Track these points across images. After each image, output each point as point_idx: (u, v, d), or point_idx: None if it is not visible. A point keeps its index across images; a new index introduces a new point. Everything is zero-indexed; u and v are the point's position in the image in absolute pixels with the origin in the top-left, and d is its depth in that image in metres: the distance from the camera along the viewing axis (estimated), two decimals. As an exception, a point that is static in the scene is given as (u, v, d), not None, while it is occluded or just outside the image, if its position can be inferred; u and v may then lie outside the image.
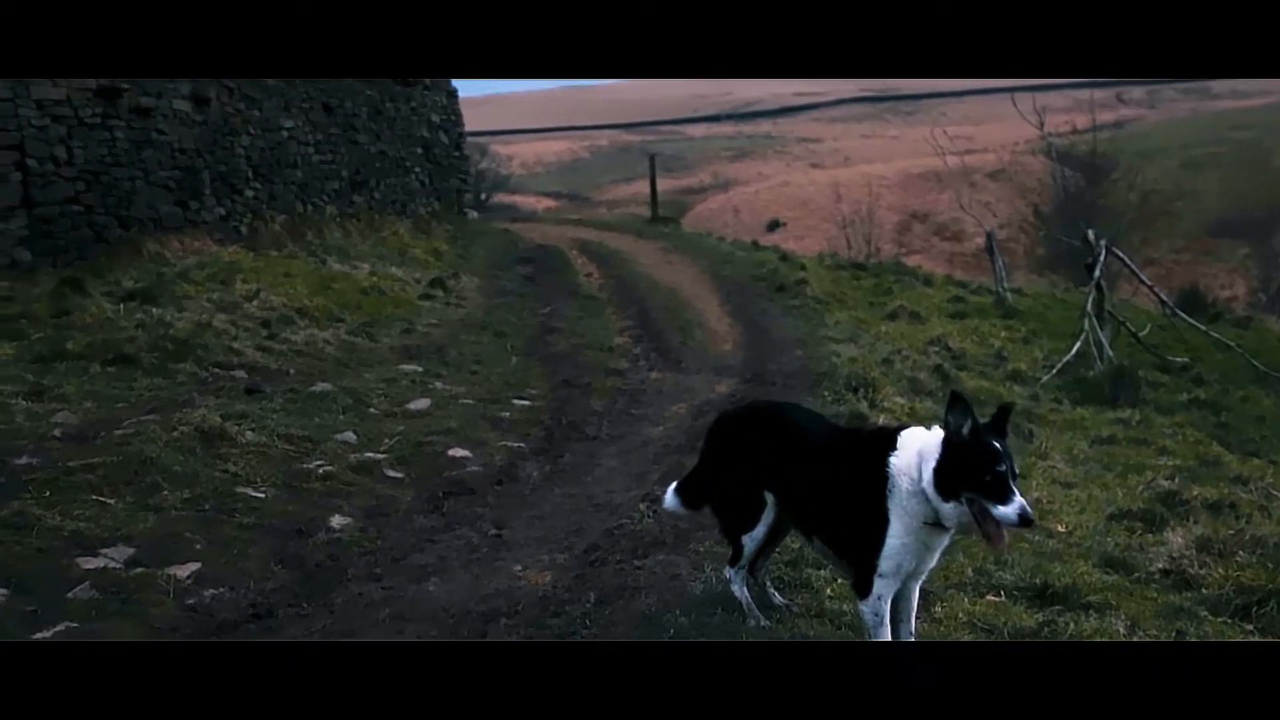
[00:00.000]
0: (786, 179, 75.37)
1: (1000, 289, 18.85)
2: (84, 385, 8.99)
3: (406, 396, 9.84)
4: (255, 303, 12.44)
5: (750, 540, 4.81)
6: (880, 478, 4.17)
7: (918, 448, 4.14)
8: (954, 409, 3.99)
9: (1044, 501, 7.48)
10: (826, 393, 9.92)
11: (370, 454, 8.05)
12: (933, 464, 4.03)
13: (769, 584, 5.21)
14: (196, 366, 9.95)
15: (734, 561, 4.92)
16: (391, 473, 7.80)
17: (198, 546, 6.12)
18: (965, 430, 3.97)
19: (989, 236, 20.49)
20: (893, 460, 4.16)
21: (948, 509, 4.02)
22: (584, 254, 21.06)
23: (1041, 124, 17.64)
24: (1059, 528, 6.99)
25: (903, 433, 4.26)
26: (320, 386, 9.57)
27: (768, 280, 17.71)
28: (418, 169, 23.67)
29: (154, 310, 11.20)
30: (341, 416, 8.92)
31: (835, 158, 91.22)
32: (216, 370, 10.00)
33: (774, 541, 5.03)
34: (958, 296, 18.54)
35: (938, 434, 4.13)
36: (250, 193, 17.29)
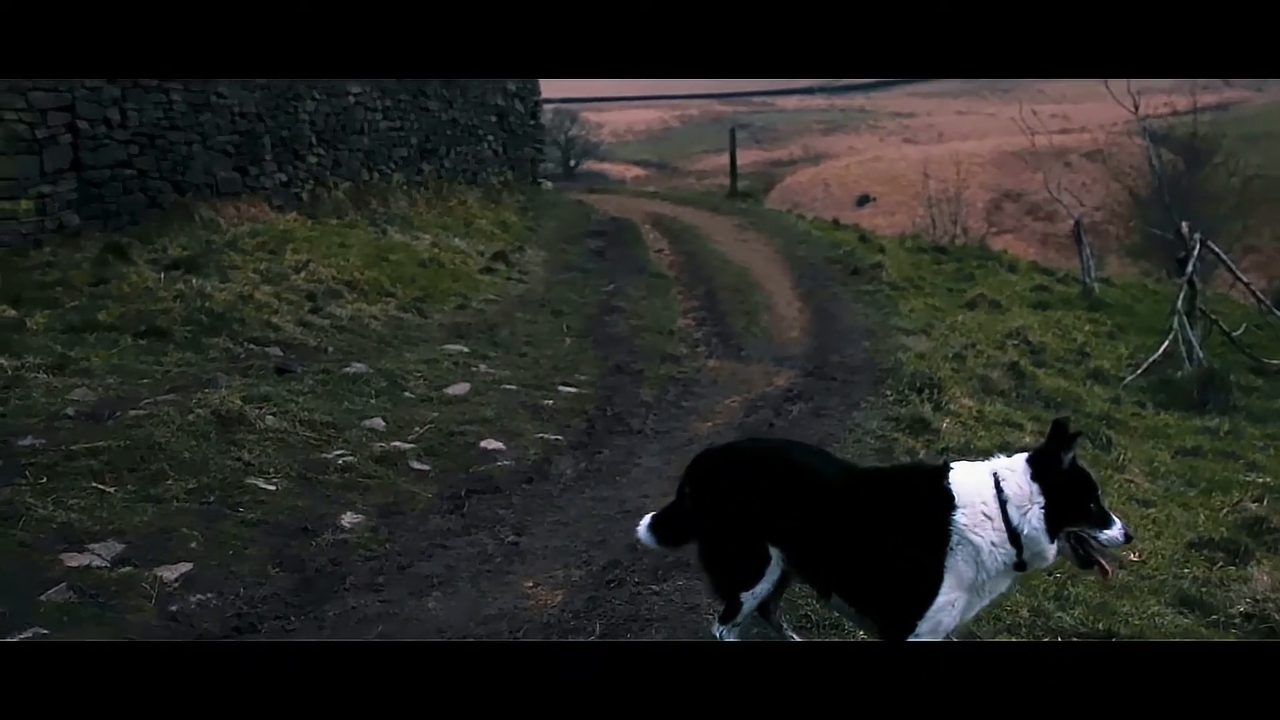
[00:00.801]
0: (878, 154, 73.88)
1: (1087, 278, 17.97)
2: (110, 359, 8.66)
3: (446, 380, 9.38)
4: (303, 274, 12.01)
5: (751, 598, 4.24)
6: (938, 534, 3.72)
7: (992, 493, 3.71)
8: (1061, 440, 3.66)
9: (1119, 523, 6.88)
10: (889, 391, 9.35)
11: (397, 443, 7.61)
12: (1033, 507, 3.65)
13: (786, 625, 4.65)
14: (230, 342, 9.54)
15: (726, 619, 4.35)
16: (416, 465, 7.36)
17: (193, 545, 5.74)
18: (1065, 463, 3.65)
19: (1077, 224, 19.57)
20: (958, 516, 3.70)
21: (1053, 549, 3.71)
22: (657, 228, 20.49)
23: (1136, 106, 16.71)
24: (1131, 556, 6.41)
25: (952, 479, 3.77)
26: (355, 367, 9.13)
27: (843, 263, 17.03)
28: (490, 137, 23.16)
29: (195, 280, 10.80)
30: (373, 401, 8.48)
31: (929, 133, 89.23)
32: (251, 346, 9.58)
33: (784, 586, 4.44)
34: (1042, 285, 17.69)
35: (1003, 470, 3.75)
36: (314, 159, 16.92)
